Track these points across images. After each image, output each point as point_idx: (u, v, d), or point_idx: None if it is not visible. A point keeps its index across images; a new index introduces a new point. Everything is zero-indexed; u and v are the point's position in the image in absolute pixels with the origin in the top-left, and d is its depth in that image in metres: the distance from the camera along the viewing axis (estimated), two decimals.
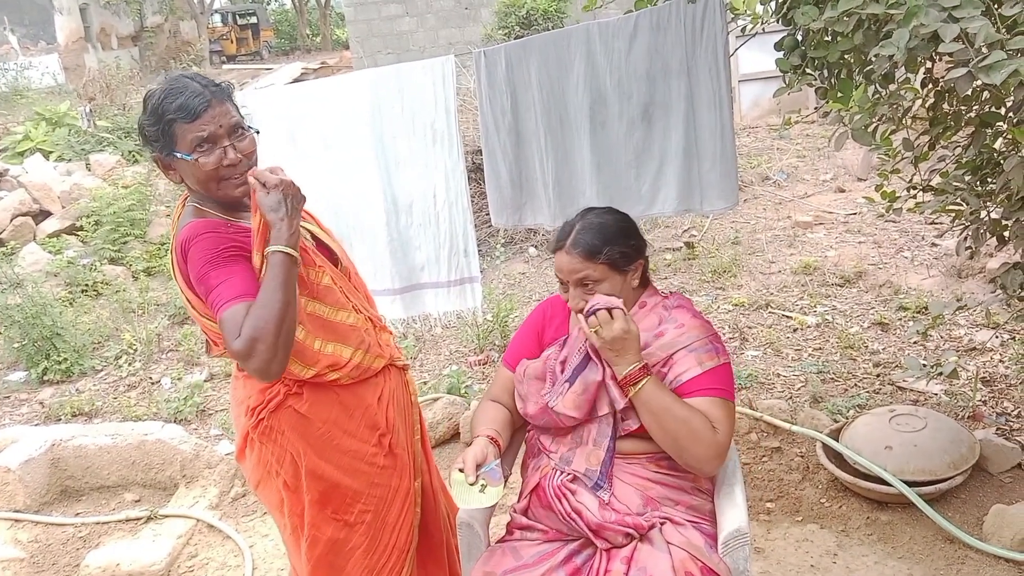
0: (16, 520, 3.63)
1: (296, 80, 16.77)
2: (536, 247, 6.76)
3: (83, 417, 4.71)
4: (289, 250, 1.74)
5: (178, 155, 1.82)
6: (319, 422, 1.98)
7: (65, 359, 5.28)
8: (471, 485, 1.92)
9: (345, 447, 2.01)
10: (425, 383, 4.55)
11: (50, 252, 7.40)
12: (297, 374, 1.93)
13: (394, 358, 2.16)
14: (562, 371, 2.05)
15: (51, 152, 10.12)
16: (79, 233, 7.73)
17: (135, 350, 5.50)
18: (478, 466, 1.95)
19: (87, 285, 6.71)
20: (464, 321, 4.93)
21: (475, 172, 5.22)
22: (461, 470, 1.95)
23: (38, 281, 6.04)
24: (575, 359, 2.05)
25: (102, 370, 5.40)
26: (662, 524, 1.92)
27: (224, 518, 3.54)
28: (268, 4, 33.81)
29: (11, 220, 7.95)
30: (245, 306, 1.71)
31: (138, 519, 3.58)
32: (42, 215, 8.24)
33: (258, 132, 1.93)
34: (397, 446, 2.11)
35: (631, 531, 1.88)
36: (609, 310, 1.92)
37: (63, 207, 8.24)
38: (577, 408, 1.99)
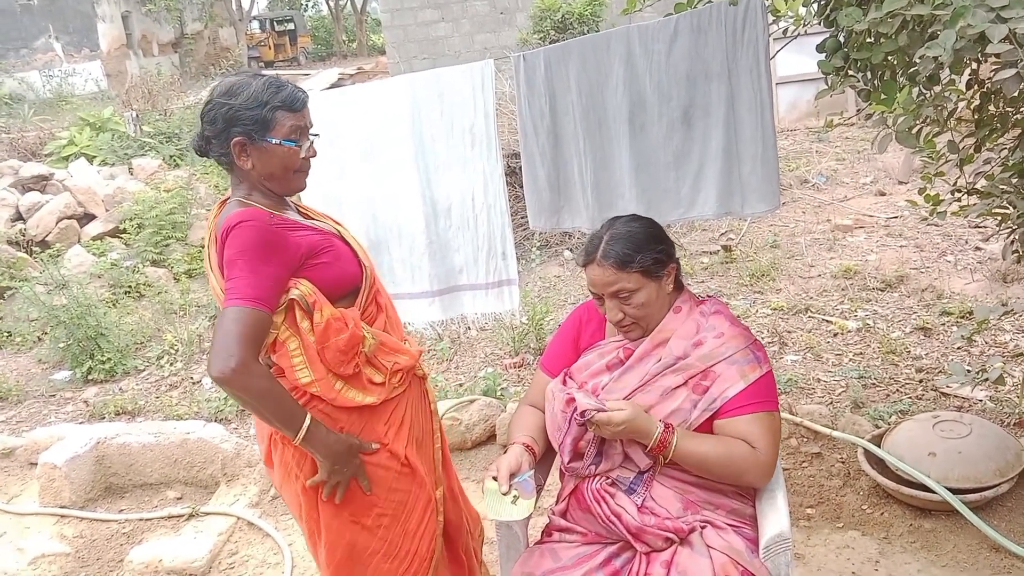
0: (62, 516, 3.71)
1: (333, 85, 16.94)
2: (571, 250, 6.76)
3: (126, 416, 4.79)
4: (298, 440, 1.88)
5: (273, 140, 1.93)
6: (343, 422, 1.98)
7: (109, 359, 5.39)
8: (504, 495, 1.93)
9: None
10: (461, 385, 4.57)
11: (94, 254, 7.55)
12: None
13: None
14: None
15: (95, 156, 10.33)
16: (122, 236, 7.88)
17: (176, 350, 5.59)
18: (512, 475, 1.95)
19: (130, 287, 6.83)
20: (500, 323, 4.95)
21: (512, 175, 5.23)
22: (495, 478, 1.95)
23: (83, 283, 6.17)
24: (591, 450, 1.99)
25: (144, 370, 5.50)
26: (703, 528, 1.91)
27: (264, 516, 3.58)
28: (305, 10, 34.20)
29: (56, 223, 8.12)
30: (253, 314, 1.79)
31: (180, 516, 3.64)
32: (86, 218, 8.41)
33: (317, 135, 2.06)
34: (416, 454, 2.10)
35: (671, 535, 1.88)
36: (590, 419, 1.89)
37: (107, 210, 8.41)
38: (611, 465, 2.00)
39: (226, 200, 2.04)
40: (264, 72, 2.03)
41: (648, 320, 2.02)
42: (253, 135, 1.92)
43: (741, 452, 1.90)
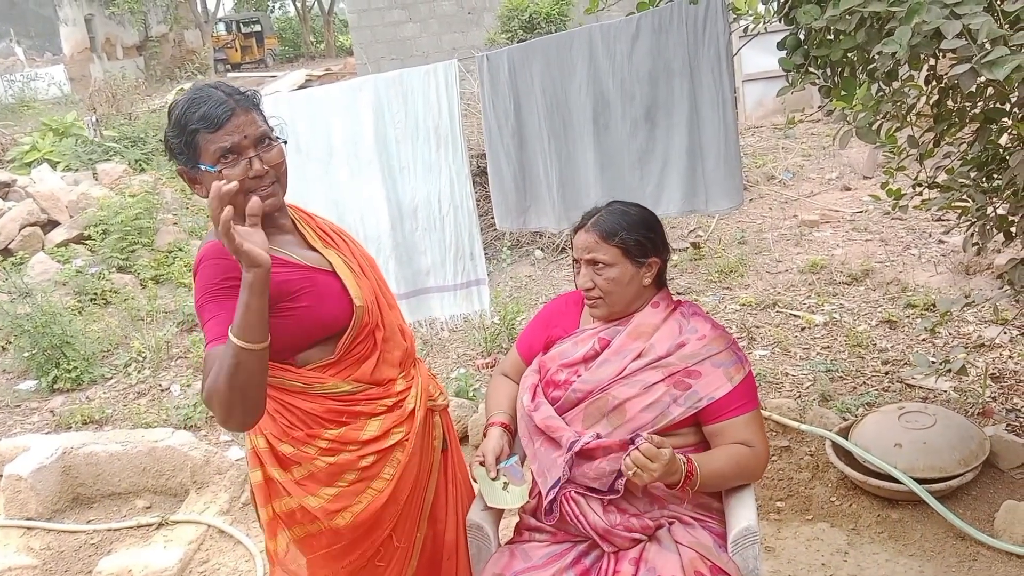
0: (28, 528, 3.65)
1: (301, 87, 16.82)
2: (542, 250, 6.77)
3: (93, 425, 4.73)
4: (238, 342, 1.57)
5: (202, 167, 1.73)
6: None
7: (75, 367, 5.31)
8: (494, 481, 1.98)
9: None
10: None
11: (58, 261, 7.43)
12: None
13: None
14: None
15: (58, 162, 10.16)
16: (87, 242, 7.76)
17: (144, 358, 5.53)
18: (497, 459, 2.02)
19: (96, 294, 6.74)
20: (471, 324, 4.94)
21: (480, 176, 5.23)
22: (482, 463, 2.01)
23: (47, 290, 6.08)
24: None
25: (112, 378, 5.42)
26: (670, 524, 1.92)
27: (235, 523, 3.55)
28: (272, 12, 33.95)
29: (20, 230, 7.99)
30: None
31: (149, 525, 3.60)
32: (50, 225, 8.27)
33: (286, 142, 1.84)
34: (391, 506, 1.94)
35: (638, 534, 1.88)
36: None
37: (71, 216, 8.28)
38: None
39: None
40: (213, 83, 1.79)
41: (614, 300, 2.04)
42: (187, 164, 1.75)
43: (745, 456, 1.94)
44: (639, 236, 2.03)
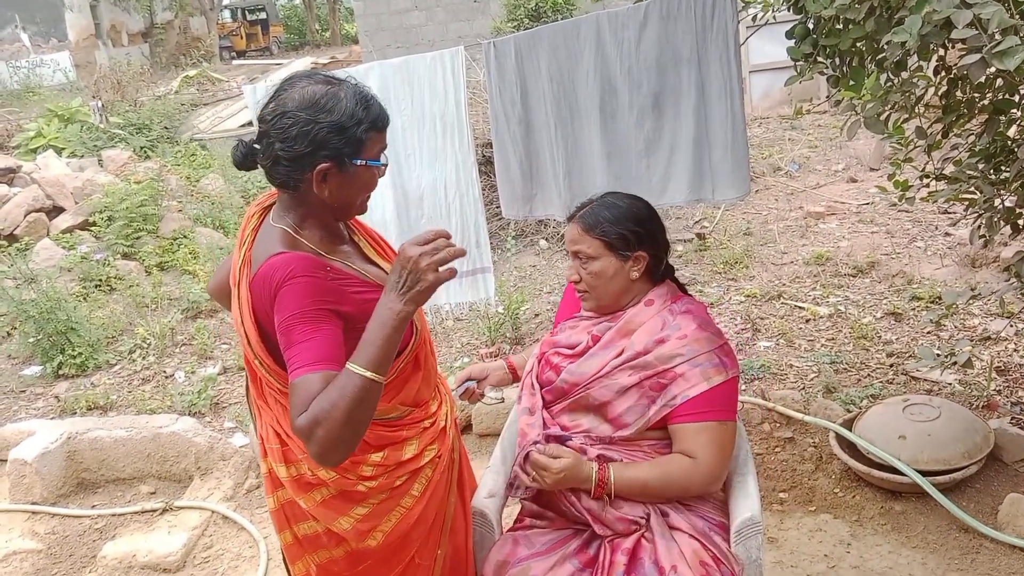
0: (33, 512, 3.67)
1: None
2: (547, 240, 6.75)
3: (98, 411, 4.74)
4: (372, 376, 1.49)
5: (363, 162, 1.67)
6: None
7: (80, 353, 5.32)
8: (453, 391, 2.13)
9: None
10: None
11: (64, 248, 7.44)
12: None
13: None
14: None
15: (63, 148, 10.17)
16: (92, 229, 7.77)
17: (149, 344, 5.54)
18: (479, 382, 2.22)
19: (100, 280, 6.75)
20: (475, 313, 4.94)
21: (488, 164, 5.21)
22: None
23: (52, 276, 6.08)
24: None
25: (116, 364, 5.43)
26: (668, 513, 1.91)
27: (239, 509, 3.56)
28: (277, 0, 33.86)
29: (25, 216, 7.99)
30: (322, 376, 1.51)
31: (154, 511, 3.61)
32: (55, 211, 8.28)
33: None
34: (414, 531, 1.92)
35: (634, 520, 1.87)
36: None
37: (76, 203, 8.28)
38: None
39: (267, 208, 1.78)
40: (337, 76, 1.71)
41: (599, 293, 2.02)
42: (344, 159, 1.64)
43: (679, 468, 1.87)
44: (623, 229, 1.98)
